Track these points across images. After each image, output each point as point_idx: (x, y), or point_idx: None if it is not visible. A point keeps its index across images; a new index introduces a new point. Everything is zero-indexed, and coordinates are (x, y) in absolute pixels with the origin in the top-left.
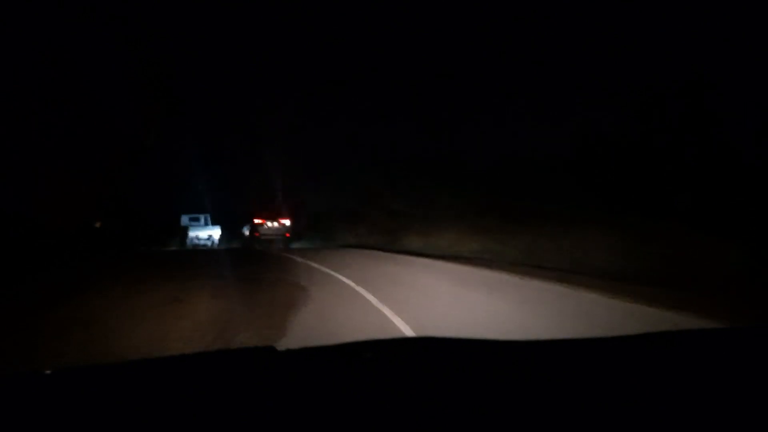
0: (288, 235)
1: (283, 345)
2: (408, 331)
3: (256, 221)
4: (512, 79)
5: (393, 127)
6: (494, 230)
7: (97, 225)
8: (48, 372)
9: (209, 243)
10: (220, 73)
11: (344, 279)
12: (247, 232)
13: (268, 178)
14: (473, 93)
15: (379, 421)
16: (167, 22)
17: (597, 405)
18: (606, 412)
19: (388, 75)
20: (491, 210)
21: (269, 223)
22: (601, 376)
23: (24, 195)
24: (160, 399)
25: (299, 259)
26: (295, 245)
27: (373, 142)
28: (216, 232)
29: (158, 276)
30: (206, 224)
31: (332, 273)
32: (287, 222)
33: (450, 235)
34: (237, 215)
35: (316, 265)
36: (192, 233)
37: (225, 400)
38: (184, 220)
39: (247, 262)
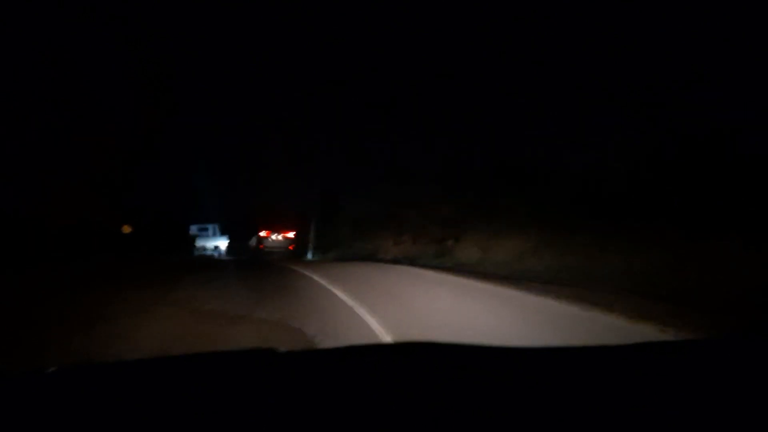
0: (291, 248)
1: None
2: None
3: (261, 234)
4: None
5: (446, 128)
6: (572, 244)
7: (126, 230)
8: (50, 370)
9: (215, 253)
10: (226, 75)
11: (378, 325)
12: (252, 244)
13: (294, 184)
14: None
15: (379, 424)
16: (167, 22)
17: (598, 413)
18: (607, 419)
19: (431, 73)
20: (562, 220)
21: (274, 236)
22: (604, 384)
23: (24, 195)
24: (160, 399)
25: (318, 281)
26: (331, 255)
27: (420, 141)
28: (223, 243)
29: (110, 299)
30: (214, 234)
31: (360, 311)
32: (292, 235)
33: (512, 244)
34: (248, 224)
35: (339, 294)
36: (199, 243)
37: (226, 400)
38: (193, 229)
39: (245, 283)
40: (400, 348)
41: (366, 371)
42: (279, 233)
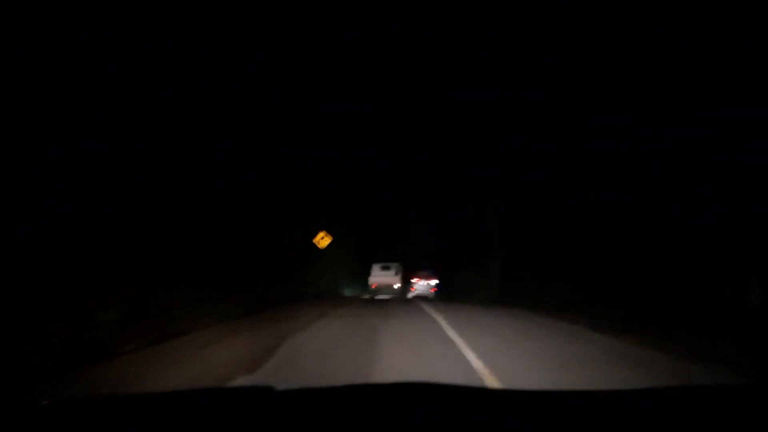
0: (433, 290)
1: None
2: None
3: (413, 280)
4: None
5: None
6: None
7: (324, 243)
8: (44, 403)
9: (391, 295)
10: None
11: None
12: (408, 288)
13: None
14: None
15: None
16: (175, 33)
17: None
18: None
19: None
20: None
21: (422, 282)
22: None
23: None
24: None
25: None
26: None
27: None
28: (399, 283)
29: None
30: (396, 273)
31: None
32: (434, 282)
33: None
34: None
35: None
36: (374, 281)
37: None
38: (375, 268)
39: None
40: (397, 388)
41: (361, 412)
42: (426, 280)
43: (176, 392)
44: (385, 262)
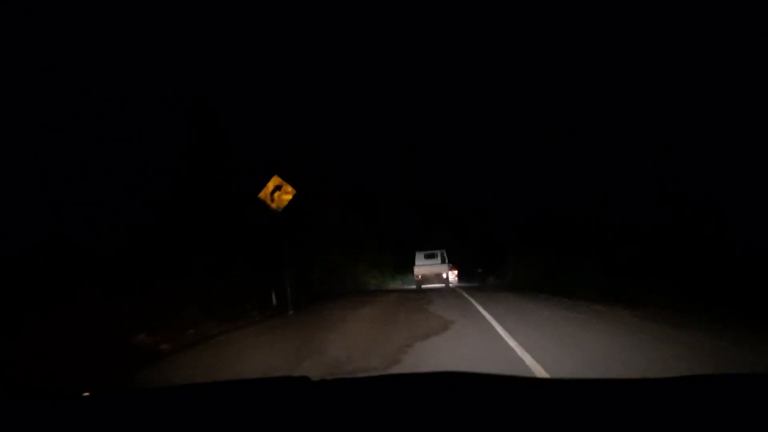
0: (455, 281)
1: None
2: None
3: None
4: None
5: None
6: None
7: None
8: (85, 395)
9: (441, 284)
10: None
11: None
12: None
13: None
14: None
15: None
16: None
17: None
18: None
19: None
20: None
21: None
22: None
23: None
24: (191, 426)
25: None
26: None
27: None
28: (446, 271)
29: None
30: (442, 262)
31: None
32: (455, 273)
33: None
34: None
35: None
36: (419, 271)
37: (256, 428)
38: (419, 257)
39: None
40: (433, 378)
41: (396, 405)
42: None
43: (211, 383)
44: (430, 250)
